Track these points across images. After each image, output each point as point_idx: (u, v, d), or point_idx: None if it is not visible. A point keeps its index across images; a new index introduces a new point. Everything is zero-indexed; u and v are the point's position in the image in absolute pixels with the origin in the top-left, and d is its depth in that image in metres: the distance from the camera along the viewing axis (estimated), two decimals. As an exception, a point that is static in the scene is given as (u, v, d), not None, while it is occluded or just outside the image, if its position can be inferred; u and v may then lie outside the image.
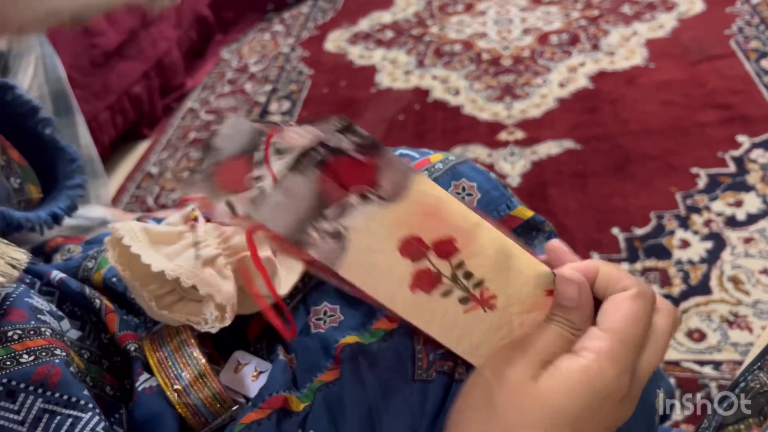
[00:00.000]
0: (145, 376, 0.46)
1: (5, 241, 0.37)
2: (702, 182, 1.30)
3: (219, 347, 0.49)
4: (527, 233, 0.54)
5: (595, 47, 1.83)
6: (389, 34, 2.12)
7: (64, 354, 0.40)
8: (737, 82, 1.57)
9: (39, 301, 0.41)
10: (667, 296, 1.09)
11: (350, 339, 0.44)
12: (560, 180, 1.40)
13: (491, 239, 0.36)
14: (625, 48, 1.80)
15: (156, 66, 1.87)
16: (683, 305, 1.07)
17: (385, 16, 2.23)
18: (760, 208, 1.22)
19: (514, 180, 1.42)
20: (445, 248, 0.35)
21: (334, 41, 2.15)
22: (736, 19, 1.81)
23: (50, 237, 0.57)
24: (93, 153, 1.14)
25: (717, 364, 0.98)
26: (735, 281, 1.09)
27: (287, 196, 0.31)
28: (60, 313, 0.43)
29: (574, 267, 0.38)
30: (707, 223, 1.21)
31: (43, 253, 0.56)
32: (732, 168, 1.32)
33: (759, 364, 0.42)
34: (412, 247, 0.34)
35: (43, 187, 0.54)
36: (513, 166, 1.46)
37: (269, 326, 0.49)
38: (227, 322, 0.43)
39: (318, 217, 0.32)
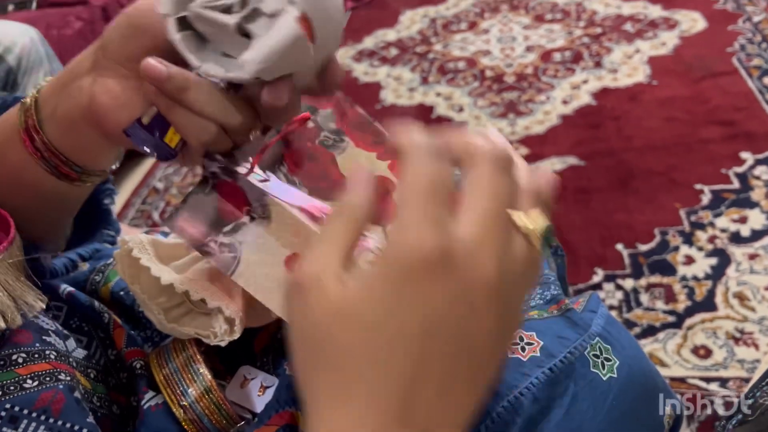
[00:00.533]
0: (150, 393, 0.45)
1: (27, 282, 0.37)
2: (706, 198, 1.30)
3: (225, 360, 0.49)
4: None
5: (598, 64, 1.84)
6: (393, 52, 2.14)
7: (68, 378, 0.40)
8: (740, 99, 1.57)
9: (45, 321, 0.41)
10: (672, 312, 1.09)
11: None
12: (564, 196, 1.40)
13: None
14: (628, 65, 1.81)
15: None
16: (689, 321, 1.07)
17: (390, 34, 2.25)
18: (765, 224, 1.22)
19: (518, 196, 1.42)
20: None
21: (339, 58, 2.16)
22: (738, 37, 1.82)
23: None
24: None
25: (723, 381, 0.97)
26: (740, 297, 1.09)
27: (191, 212, 0.38)
28: (65, 331, 0.43)
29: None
30: (712, 239, 1.21)
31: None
32: (736, 184, 1.32)
33: (767, 380, 0.42)
34: (294, 262, 0.37)
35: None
36: (517, 182, 1.46)
37: (275, 339, 0.49)
38: (236, 335, 0.43)
39: (218, 231, 0.39)
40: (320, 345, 0.26)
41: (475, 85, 1.86)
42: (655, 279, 1.16)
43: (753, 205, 1.27)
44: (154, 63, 0.35)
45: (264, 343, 0.50)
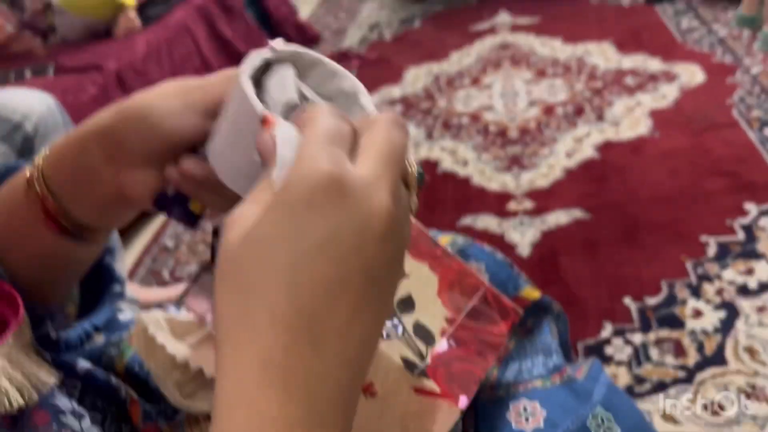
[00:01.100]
0: None
1: (38, 359, 0.38)
2: (712, 250, 1.31)
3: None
4: (535, 314, 0.55)
5: (600, 118, 1.88)
6: (399, 108, 2.19)
7: None
8: (741, 150, 1.60)
9: (61, 400, 0.42)
10: (683, 367, 1.08)
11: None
12: (571, 249, 1.41)
13: None
14: (630, 118, 1.84)
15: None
16: (699, 376, 1.06)
17: (395, 91, 2.31)
18: (772, 276, 1.22)
19: (525, 250, 1.43)
20: None
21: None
22: (737, 89, 1.86)
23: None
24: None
25: (737, 439, 0.96)
26: (750, 351, 1.08)
27: (201, 290, 0.39)
28: (81, 410, 0.44)
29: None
30: (719, 291, 1.21)
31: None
32: (741, 236, 1.33)
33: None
34: None
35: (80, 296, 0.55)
36: (523, 236, 1.48)
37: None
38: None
39: None
40: (228, 269, 0.27)
41: (479, 139, 1.90)
42: (664, 333, 1.16)
43: (759, 256, 1.27)
44: (193, 166, 0.38)
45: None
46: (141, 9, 2.10)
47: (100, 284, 0.51)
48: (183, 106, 0.38)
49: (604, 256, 1.37)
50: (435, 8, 3.06)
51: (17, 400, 0.37)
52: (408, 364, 0.38)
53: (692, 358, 1.10)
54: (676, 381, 1.07)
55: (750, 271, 1.24)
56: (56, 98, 1.46)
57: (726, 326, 1.14)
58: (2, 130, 1.31)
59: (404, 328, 0.39)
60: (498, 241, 1.48)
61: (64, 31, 2.08)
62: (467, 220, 1.57)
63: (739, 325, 1.14)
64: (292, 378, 0.25)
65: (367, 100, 0.36)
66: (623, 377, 1.09)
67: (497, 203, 1.61)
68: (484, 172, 1.74)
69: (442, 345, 0.39)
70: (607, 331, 1.19)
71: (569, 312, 1.25)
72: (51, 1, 2.02)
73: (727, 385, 1.04)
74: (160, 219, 1.84)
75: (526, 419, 0.41)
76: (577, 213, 1.51)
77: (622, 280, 1.29)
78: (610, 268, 1.33)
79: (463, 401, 0.38)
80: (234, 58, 2.39)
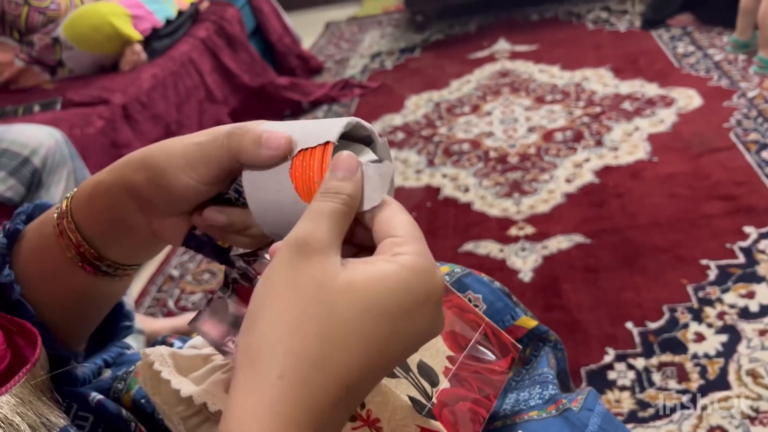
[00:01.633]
0: None
1: (49, 402, 0.39)
2: (712, 274, 1.32)
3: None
4: (533, 343, 0.56)
5: (599, 143, 1.90)
6: (400, 135, 2.21)
7: None
8: (740, 173, 1.61)
9: None
10: (686, 392, 1.09)
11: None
12: (572, 274, 1.42)
13: None
14: (628, 143, 1.86)
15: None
16: (703, 401, 1.06)
17: (396, 119, 2.34)
18: (773, 299, 1.23)
19: (527, 275, 1.44)
20: None
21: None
22: (734, 113, 1.88)
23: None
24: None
25: (742, 464, 0.96)
26: (753, 375, 1.09)
27: (213, 315, 0.41)
28: None
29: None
30: (721, 315, 1.22)
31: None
32: (741, 259, 1.34)
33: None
34: None
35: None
36: (525, 261, 1.49)
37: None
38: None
39: (236, 332, 0.40)
40: (316, 306, 0.30)
41: (480, 165, 1.92)
42: (667, 357, 1.16)
43: (760, 279, 1.28)
44: (216, 215, 0.41)
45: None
46: (146, 43, 2.15)
47: (109, 319, 0.53)
48: (194, 179, 0.40)
49: (605, 280, 1.37)
50: (435, 37, 3.11)
51: None
52: (415, 403, 0.39)
53: (695, 382, 1.10)
54: (680, 406, 1.07)
55: (751, 294, 1.25)
56: (64, 132, 1.50)
57: (728, 350, 1.14)
58: (11, 165, 1.33)
59: (410, 368, 0.40)
60: (500, 266, 1.49)
61: (71, 66, 2.12)
62: (469, 246, 1.58)
63: (742, 348, 1.14)
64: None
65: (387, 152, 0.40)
66: (627, 402, 1.10)
67: (498, 229, 1.62)
68: (485, 198, 1.76)
69: (445, 385, 0.40)
70: (609, 356, 1.19)
71: (571, 337, 1.26)
72: (59, 37, 2.06)
73: (731, 409, 1.04)
74: (165, 248, 1.86)
75: (523, 450, 0.42)
76: (577, 238, 1.52)
77: (624, 305, 1.30)
78: (612, 293, 1.34)
79: None
80: (238, 89, 2.43)
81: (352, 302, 0.30)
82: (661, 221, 1.51)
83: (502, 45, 2.79)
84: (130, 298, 1.52)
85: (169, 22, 2.26)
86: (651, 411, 1.07)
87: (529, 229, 1.59)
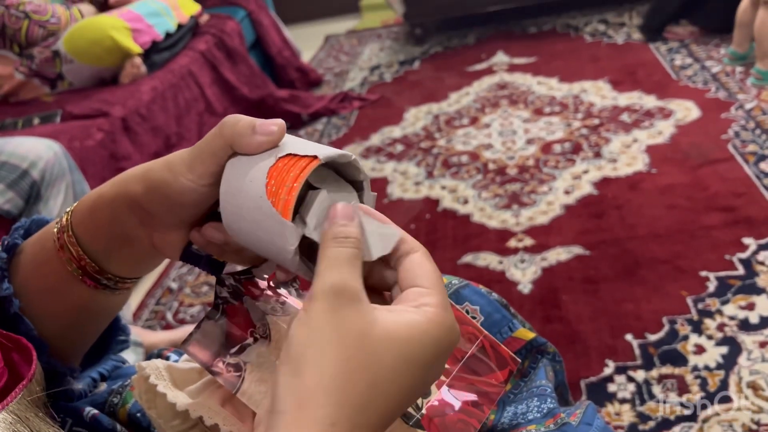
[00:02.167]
0: None
1: (45, 418, 0.39)
2: (712, 285, 1.31)
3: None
4: (531, 355, 0.55)
5: (598, 155, 1.90)
6: (399, 148, 2.22)
7: None
8: (738, 185, 1.61)
9: None
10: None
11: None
12: (572, 286, 1.42)
13: None
14: (627, 155, 1.87)
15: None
16: (704, 414, 1.06)
17: (395, 131, 2.35)
18: (773, 310, 1.22)
19: (526, 287, 1.44)
20: None
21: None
22: (732, 124, 1.88)
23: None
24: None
25: (744, 477, 0.95)
26: (754, 387, 1.08)
27: (203, 338, 0.42)
28: None
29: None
30: (721, 327, 1.21)
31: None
32: (741, 270, 1.34)
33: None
34: None
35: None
36: (524, 272, 1.49)
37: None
38: (247, 457, 0.44)
39: (226, 353, 0.42)
40: (362, 356, 0.31)
41: (479, 177, 1.92)
42: (667, 370, 1.16)
43: (759, 291, 1.28)
44: (214, 232, 0.42)
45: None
46: (146, 56, 2.16)
47: (104, 333, 0.53)
48: (193, 180, 0.40)
49: (605, 292, 1.37)
50: (434, 50, 3.12)
51: None
52: (403, 414, 0.38)
53: (696, 394, 1.09)
54: (681, 418, 1.06)
55: (751, 306, 1.24)
56: (63, 144, 1.50)
57: (729, 362, 1.14)
58: (10, 177, 1.33)
59: None
60: (500, 278, 1.49)
61: (71, 79, 2.13)
62: (468, 258, 1.58)
63: (742, 361, 1.14)
64: None
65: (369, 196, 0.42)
66: (627, 415, 1.09)
67: (498, 240, 1.62)
68: (484, 210, 1.76)
69: (437, 396, 0.40)
70: (609, 368, 1.18)
71: (571, 349, 1.26)
72: (59, 50, 2.07)
73: (732, 422, 1.04)
74: (163, 261, 1.85)
75: (521, 464, 0.41)
76: (576, 249, 1.52)
77: (623, 317, 1.29)
78: (611, 305, 1.33)
79: None
80: (237, 101, 2.44)
81: (390, 351, 0.31)
82: (660, 233, 1.51)
83: (501, 57, 2.80)
84: (128, 311, 1.52)
85: (168, 35, 2.27)
86: (651, 424, 1.07)
87: (528, 241, 1.59)
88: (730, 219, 1.50)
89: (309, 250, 0.37)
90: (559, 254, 1.52)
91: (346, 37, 3.69)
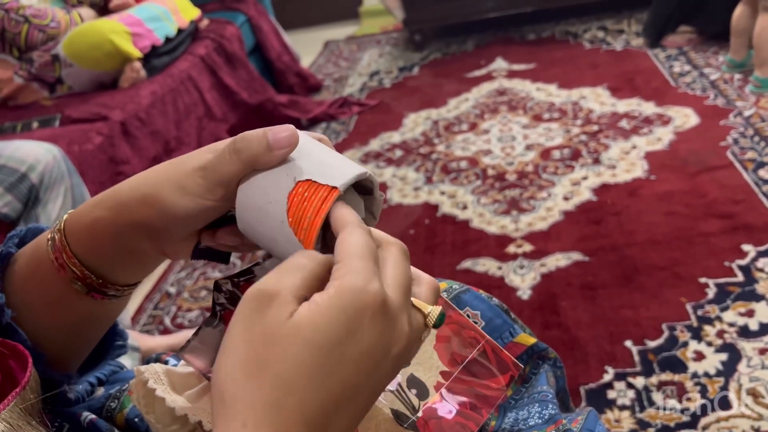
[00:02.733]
0: None
1: (38, 427, 0.39)
2: (711, 292, 1.31)
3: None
4: (532, 361, 0.55)
5: (597, 161, 1.90)
6: (398, 153, 2.22)
7: None
8: (737, 191, 1.61)
9: None
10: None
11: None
12: (570, 292, 1.41)
13: None
14: (626, 161, 1.87)
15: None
16: (704, 421, 1.05)
17: (395, 136, 2.35)
18: (772, 317, 1.22)
19: (525, 293, 1.44)
20: None
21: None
22: (731, 131, 1.89)
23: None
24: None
25: (744, 485, 0.95)
26: (754, 395, 1.08)
27: (201, 345, 0.41)
28: None
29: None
30: (720, 333, 1.21)
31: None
32: (740, 277, 1.34)
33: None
34: None
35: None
36: (523, 278, 1.48)
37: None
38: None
39: None
40: (265, 353, 0.30)
41: (478, 183, 1.92)
42: (667, 376, 1.15)
43: (759, 297, 1.28)
44: (229, 237, 0.42)
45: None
46: (146, 60, 2.16)
47: (102, 338, 0.52)
48: (211, 200, 0.40)
49: (604, 298, 1.37)
50: (433, 56, 3.13)
51: None
52: (398, 416, 0.38)
53: (696, 401, 1.09)
54: (681, 425, 1.06)
55: (750, 313, 1.24)
56: (62, 148, 1.50)
57: (728, 369, 1.14)
58: (8, 181, 1.33)
59: (398, 383, 0.40)
60: (499, 284, 1.49)
61: (71, 83, 2.13)
62: (467, 264, 1.58)
63: (742, 367, 1.13)
64: None
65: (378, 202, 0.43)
66: (627, 422, 1.08)
67: (497, 246, 1.62)
68: (483, 216, 1.76)
69: (435, 398, 0.39)
70: (609, 374, 1.18)
71: (570, 356, 1.25)
72: (59, 54, 2.07)
73: (732, 429, 1.03)
74: (162, 265, 1.85)
75: (522, 470, 0.41)
76: (575, 255, 1.52)
77: (622, 323, 1.29)
78: (610, 311, 1.33)
79: None
80: (237, 106, 2.44)
81: (295, 342, 0.30)
82: (659, 239, 1.51)
83: (500, 64, 2.81)
84: (126, 316, 1.51)
85: (168, 39, 2.27)
86: (651, 431, 1.06)
87: (528, 247, 1.59)
88: (729, 226, 1.50)
89: None
90: (558, 260, 1.52)
91: (346, 42, 3.70)
